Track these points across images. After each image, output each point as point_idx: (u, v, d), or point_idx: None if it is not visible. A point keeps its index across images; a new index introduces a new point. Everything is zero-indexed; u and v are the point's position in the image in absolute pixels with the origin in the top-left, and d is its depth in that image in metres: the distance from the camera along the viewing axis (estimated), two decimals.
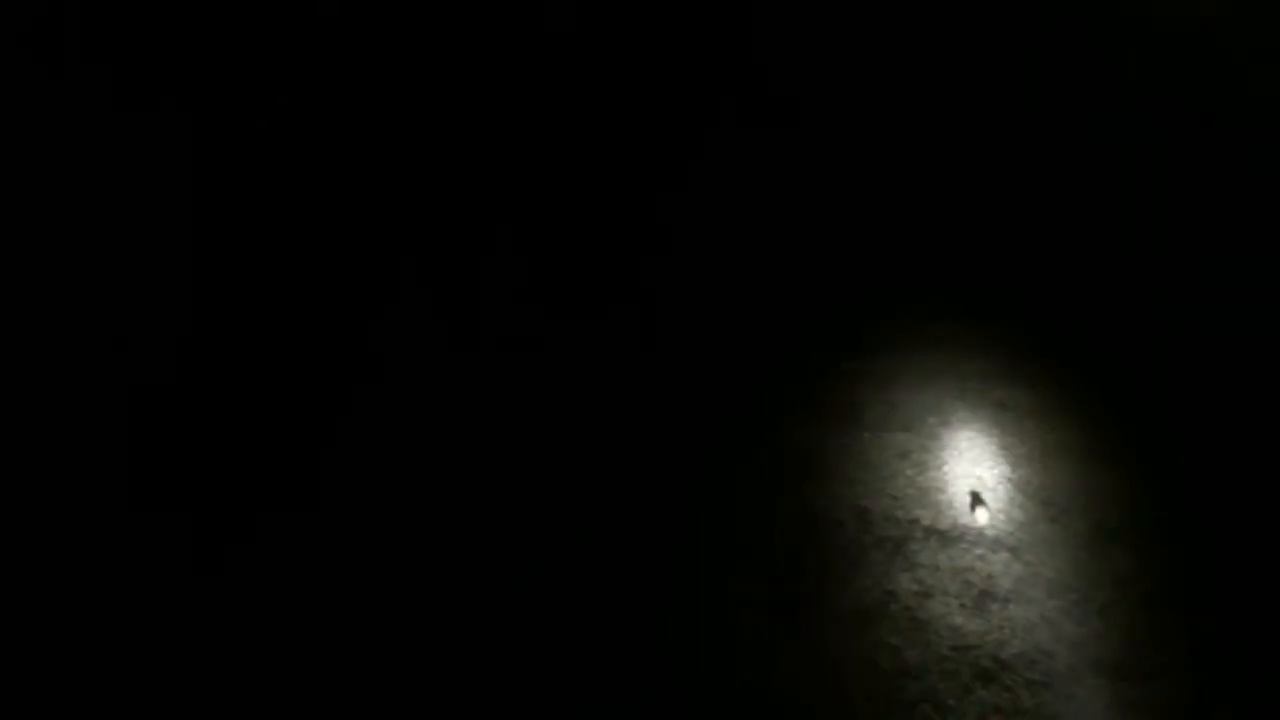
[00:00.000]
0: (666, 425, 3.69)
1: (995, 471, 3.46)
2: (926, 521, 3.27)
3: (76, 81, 5.36)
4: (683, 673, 2.81)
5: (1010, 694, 2.72)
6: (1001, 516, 3.27)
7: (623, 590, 3.05)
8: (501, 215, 4.92)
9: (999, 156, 5.39)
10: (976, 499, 3.33)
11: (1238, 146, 5.03)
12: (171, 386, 3.85)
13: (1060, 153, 5.31)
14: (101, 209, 4.69)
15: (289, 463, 3.52)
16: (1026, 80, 5.87)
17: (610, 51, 6.18)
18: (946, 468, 3.48)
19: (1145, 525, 3.24)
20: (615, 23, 6.35)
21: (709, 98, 5.87)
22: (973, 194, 5.12)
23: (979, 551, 3.15)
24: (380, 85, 5.75)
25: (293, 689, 2.75)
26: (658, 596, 3.03)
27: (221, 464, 3.49)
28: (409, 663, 2.81)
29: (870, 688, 2.75)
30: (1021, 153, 5.39)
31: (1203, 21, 5.52)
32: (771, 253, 4.70)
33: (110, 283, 4.32)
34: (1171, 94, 5.42)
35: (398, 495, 3.38)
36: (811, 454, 3.56)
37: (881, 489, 3.40)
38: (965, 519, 3.27)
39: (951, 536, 3.21)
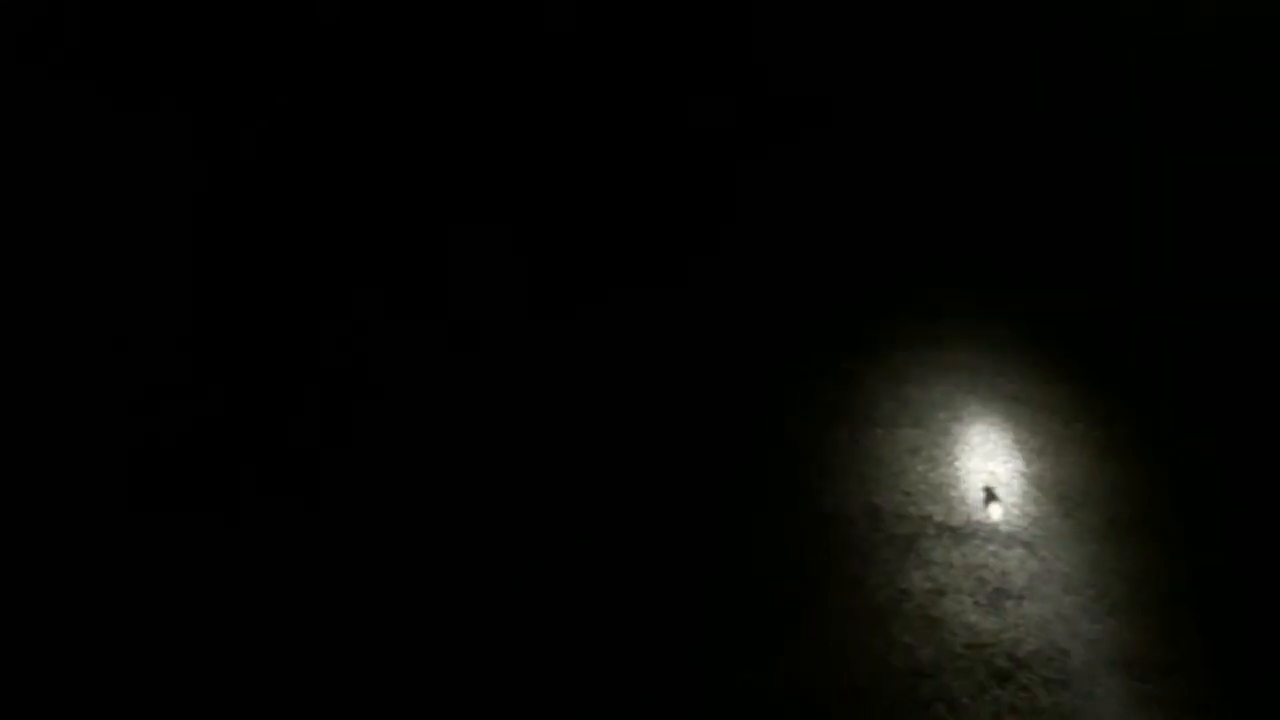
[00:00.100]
0: (674, 425, 3.66)
1: (1009, 466, 3.41)
2: (939, 518, 3.22)
3: (76, 81, 5.35)
4: (691, 673, 2.78)
5: (1027, 692, 2.68)
6: (1015, 512, 3.23)
7: (628, 590, 3.02)
8: (501, 215, 4.88)
9: (1005, 156, 5.35)
10: (990, 494, 3.28)
11: (1238, 146, 5.01)
12: (172, 386, 3.83)
13: (1062, 152, 5.28)
14: (102, 209, 4.68)
15: (289, 462, 3.50)
16: (1026, 80, 5.84)
17: (610, 52, 6.14)
18: (959, 463, 3.44)
19: (1162, 520, 3.19)
20: (615, 23, 6.31)
21: (709, 98, 5.82)
22: (979, 193, 5.08)
23: (993, 548, 3.11)
24: (380, 85, 5.73)
25: (294, 688, 2.73)
26: (664, 597, 3.00)
27: (221, 463, 3.47)
28: (410, 662, 2.79)
29: (883, 687, 2.71)
30: (1028, 152, 5.35)
31: (1202, 21, 5.52)
32: (776, 252, 4.66)
33: (110, 282, 4.30)
34: (1171, 93, 5.39)
35: (398, 495, 3.35)
36: (822, 452, 3.51)
37: (893, 486, 3.36)
38: (979, 515, 3.23)
39: (965, 533, 3.16)
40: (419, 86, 5.76)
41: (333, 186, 5.01)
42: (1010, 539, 3.13)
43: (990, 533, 3.16)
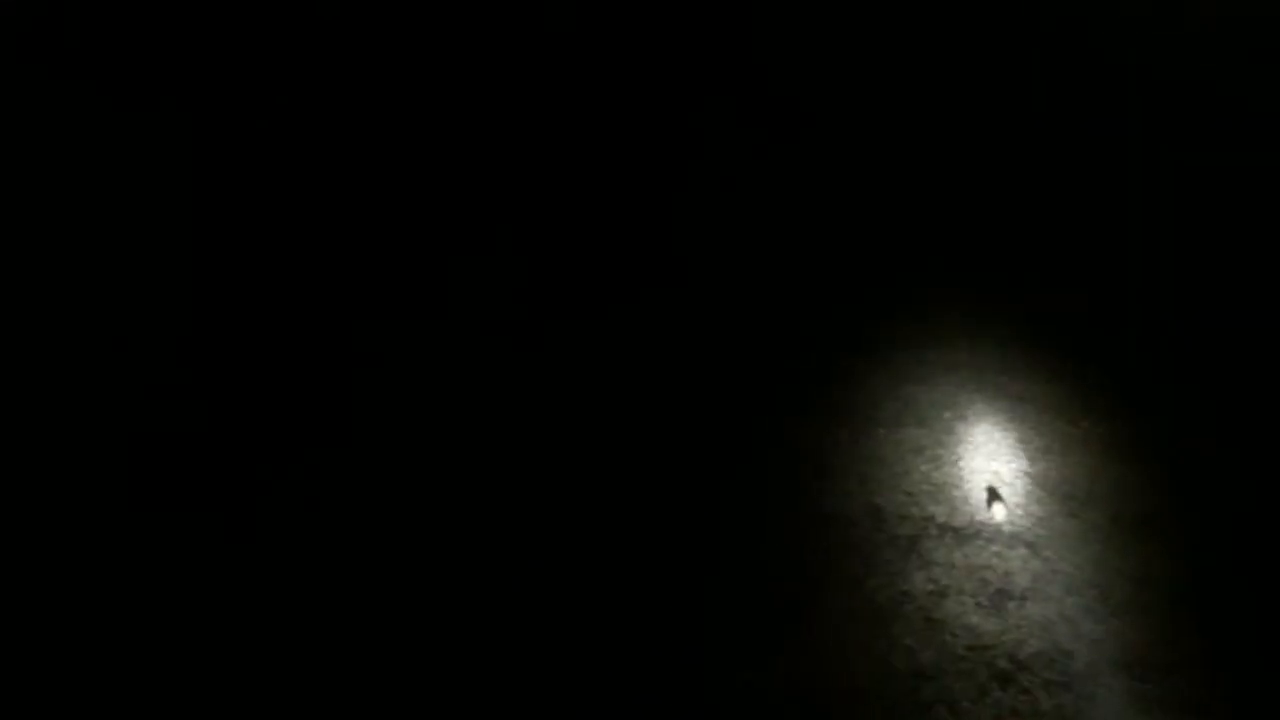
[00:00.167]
0: (674, 425, 3.64)
1: (1012, 466, 3.38)
2: (942, 518, 3.20)
3: (76, 81, 5.36)
4: (691, 673, 2.75)
5: (1028, 695, 2.65)
6: (1019, 512, 3.20)
7: (628, 590, 2.99)
8: (502, 215, 4.87)
9: (1005, 156, 5.32)
10: (993, 494, 3.25)
11: (1238, 146, 4.98)
12: (171, 386, 3.83)
13: (1062, 152, 5.25)
14: (102, 209, 4.69)
15: (288, 463, 3.49)
16: (1026, 80, 5.82)
17: (610, 52, 6.13)
18: (962, 463, 3.41)
19: (1166, 519, 3.16)
20: (615, 23, 6.29)
21: (709, 98, 5.80)
22: (980, 193, 5.05)
23: (995, 548, 3.08)
24: (380, 85, 5.73)
25: (294, 688, 2.72)
26: (664, 597, 2.98)
27: (221, 463, 3.47)
28: (410, 662, 2.77)
29: (884, 689, 2.69)
30: (1028, 152, 5.32)
31: (1202, 21, 5.50)
32: (780, 251, 4.64)
33: (111, 282, 4.30)
34: (1171, 93, 5.36)
35: (399, 495, 3.34)
36: (824, 451, 3.49)
37: (896, 486, 3.33)
38: (982, 515, 3.20)
39: (967, 533, 3.14)
40: (419, 85, 5.75)
41: (333, 186, 5.01)
42: (1013, 539, 3.10)
43: (993, 533, 3.13)
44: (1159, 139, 5.09)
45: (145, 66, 5.57)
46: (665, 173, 5.23)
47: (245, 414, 3.70)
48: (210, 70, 5.62)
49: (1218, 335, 3.91)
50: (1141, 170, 4.94)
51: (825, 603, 2.93)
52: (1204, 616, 2.85)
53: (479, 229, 4.76)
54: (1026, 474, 3.34)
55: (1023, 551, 3.06)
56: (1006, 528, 3.14)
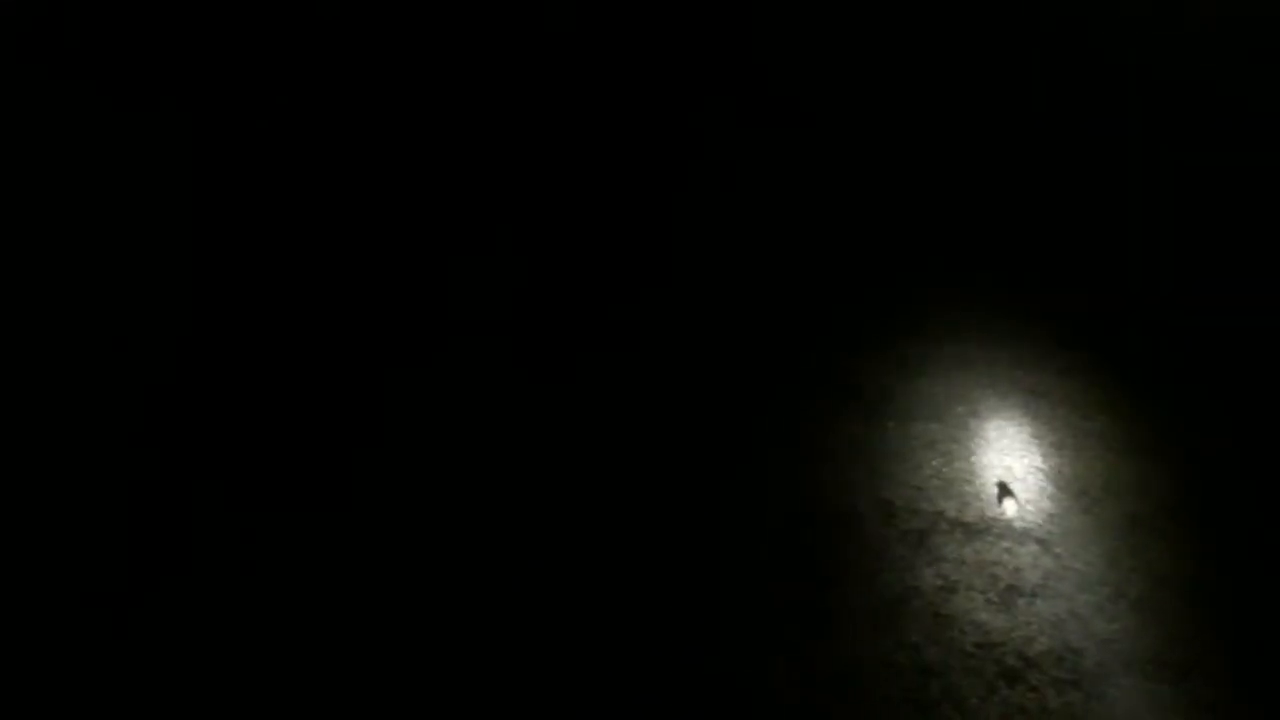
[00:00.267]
0: (677, 425, 3.61)
1: (1025, 461, 3.33)
2: (952, 513, 3.15)
3: (76, 81, 5.40)
4: (691, 673, 2.73)
5: (1036, 693, 2.61)
6: (1031, 508, 3.15)
7: (631, 591, 2.98)
8: (502, 214, 4.86)
9: (1006, 156, 5.25)
10: (1004, 490, 3.20)
11: (1238, 146, 4.90)
12: (171, 386, 3.85)
13: (1070, 151, 5.18)
14: (102, 208, 4.71)
15: (288, 462, 3.50)
16: (1026, 80, 5.75)
17: (611, 51, 6.10)
18: (975, 458, 3.36)
19: (1181, 517, 3.09)
20: (615, 22, 6.27)
21: (710, 98, 5.76)
22: (983, 192, 4.99)
23: (1006, 544, 3.03)
24: (380, 85, 5.73)
25: (295, 687, 2.72)
26: (665, 596, 2.95)
27: (221, 464, 3.48)
28: (411, 662, 2.78)
29: (890, 686, 2.65)
30: (1028, 152, 5.25)
31: (1202, 21, 5.41)
32: (786, 249, 4.59)
33: (111, 283, 4.33)
34: (1171, 93, 5.29)
35: (400, 495, 3.34)
36: (834, 446, 3.45)
37: (906, 480, 3.29)
38: (993, 510, 3.15)
39: (978, 529, 3.09)
40: (418, 86, 5.75)
41: (333, 186, 5.01)
42: (1024, 535, 3.05)
43: (1004, 529, 3.08)
44: (1159, 139, 5.02)
45: (145, 66, 5.60)
46: (666, 173, 5.20)
47: (246, 415, 3.71)
48: (210, 70, 5.65)
49: (1232, 334, 3.83)
50: (1145, 170, 4.89)
51: (830, 600, 2.90)
52: (1221, 617, 2.79)
53: (479, 228, 4.75)
54: (1039, 469, 3.29)
55: (1034, 548, 3.01)
56: (1018, 523, 3.09)
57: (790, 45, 6.23)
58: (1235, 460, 3.30)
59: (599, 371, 3.85)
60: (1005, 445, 3.40)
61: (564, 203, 4.94)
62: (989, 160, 5.23)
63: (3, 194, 4.63)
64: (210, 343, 4.04)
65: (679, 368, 3.86)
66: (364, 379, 3.86)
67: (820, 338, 3.98)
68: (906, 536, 3.08)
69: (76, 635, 2.86)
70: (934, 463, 3.34)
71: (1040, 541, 3.02)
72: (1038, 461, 3.32)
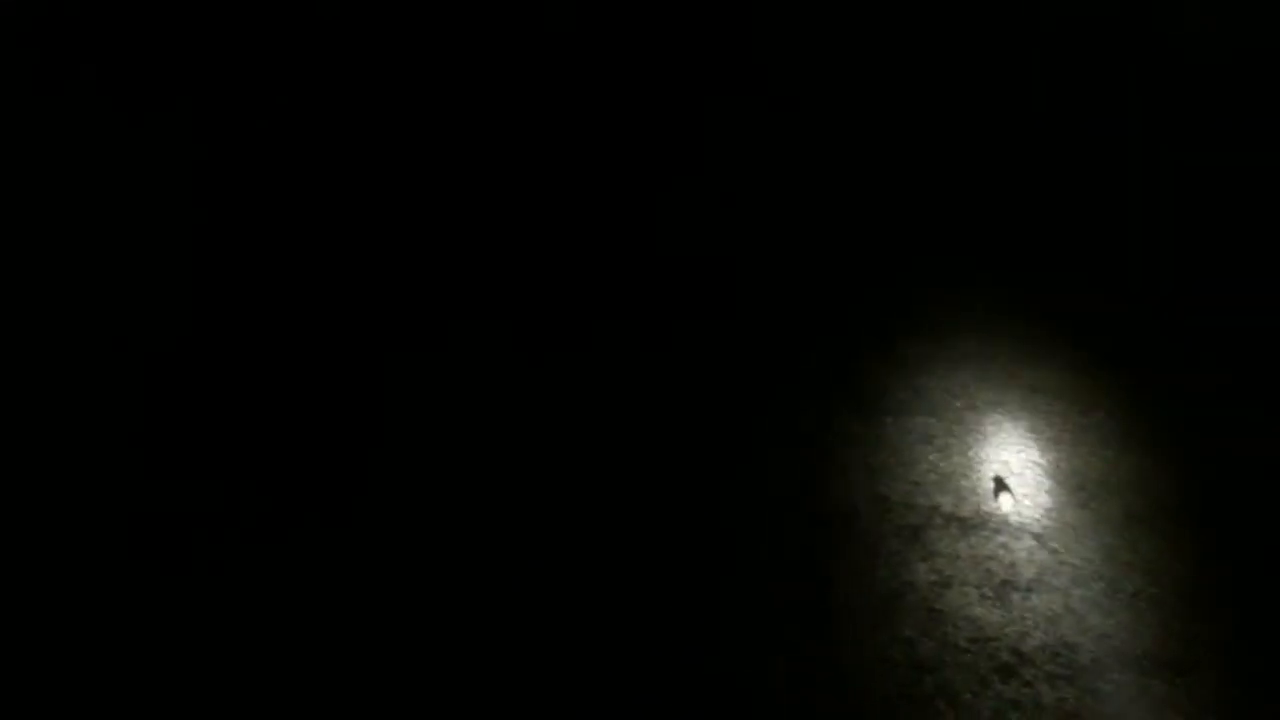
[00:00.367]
0: (675, 423, 3.60)
1: (1022, 456, 3.31)
2: (948, 508, 3.14)
3: (77, 82, 5.41)
4: (692, 675, 2.74)
5: (1030, 689, 2.60)
6: (1027, 502, 3.13)
7: (630, 591, 2.98)
8: (504, 214, 4.85)
9: (1006, 155, 5.21)
10: (1000, 484, 3.19)
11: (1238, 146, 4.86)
12: (169, 385, 3.86)
13: (1069, 150, 5.14)
14: (103, 209, 4.72)
15: (286, 462, 3.51)
16: (1026, 80, 5.70)
17: (611, 51, 6.07)
18: (971, 452, 3.34)
19: (1178, 513, 3.07)
20: (616, 22, 6.23)
21: (710, 98, 5.73)
22: (992, 190, 4.96)
23: (1002, 539, 3.02)
24: (380, 85, 5.72)
25: (295, 687, 2.74)
26: (665, 595, 2.95)
27: (220, 462, 3.49)
28: (412, 661, 2.79)
29: (883, 682, 2.65)
30: (1035, 151, 5.21)
31: (1202, 21, 5.36)
32: (783, 248, 4.57)
33: (110, 282, 4.35)
34: (1171, 93, 5.24)
35: (400, 495, 3.34)
36: (831, 442, 3.44)
37: (902, 475, 3.28)
38: (989, 505, 3.14)
39: (974, 524, 3.08)
40: (418, 86, 5.74)
41: (333, 186, 5.01)
42: (1020, 530, 3.04)
43: (1000, 524, 3.07)
44: (1159, 139, 4.97)
45: (145, 66, 5.61)
46: (665, 172, 5.18)
47: (243, 411, 3.72)
48: (210, 70, 5.65)
49: (1233, 334, 3.80)
50: (1145, 169, 4.84)
51: (826, 598, 2.89)
52: (1217, 613, 2.77)
53: (479, 228, 4.75)
54: (1036, 464, 3.27)
55: (1030, 543, 2.99)
56: (1014, 518, 3.08)
57: (791, 45, 6.19)
58: (1233, 457, 3.28)
59: (599, 374, 3.84)
60: (1002, 440, 3.38)
61: (564, 203, 4.93)
62: (989, 160, 5.20)
63: (3, 194, 4.66)
64: (211, 340, 4.06)
65: (678, 368, 3.85)
66: (365, 369, 3.87)
67: (820, 337, 3.96)
68: (901, 531, 3.07)
69: (75, 637, 2.89)
70: (930, 457, 3.33)
71: (1036, 536, 3.01)
72: (1035, 456, 3.30)
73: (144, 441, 3.55)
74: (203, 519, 3.24)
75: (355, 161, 5.18)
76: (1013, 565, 2.93)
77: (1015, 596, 2.84)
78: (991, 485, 3.19)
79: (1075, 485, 3.18)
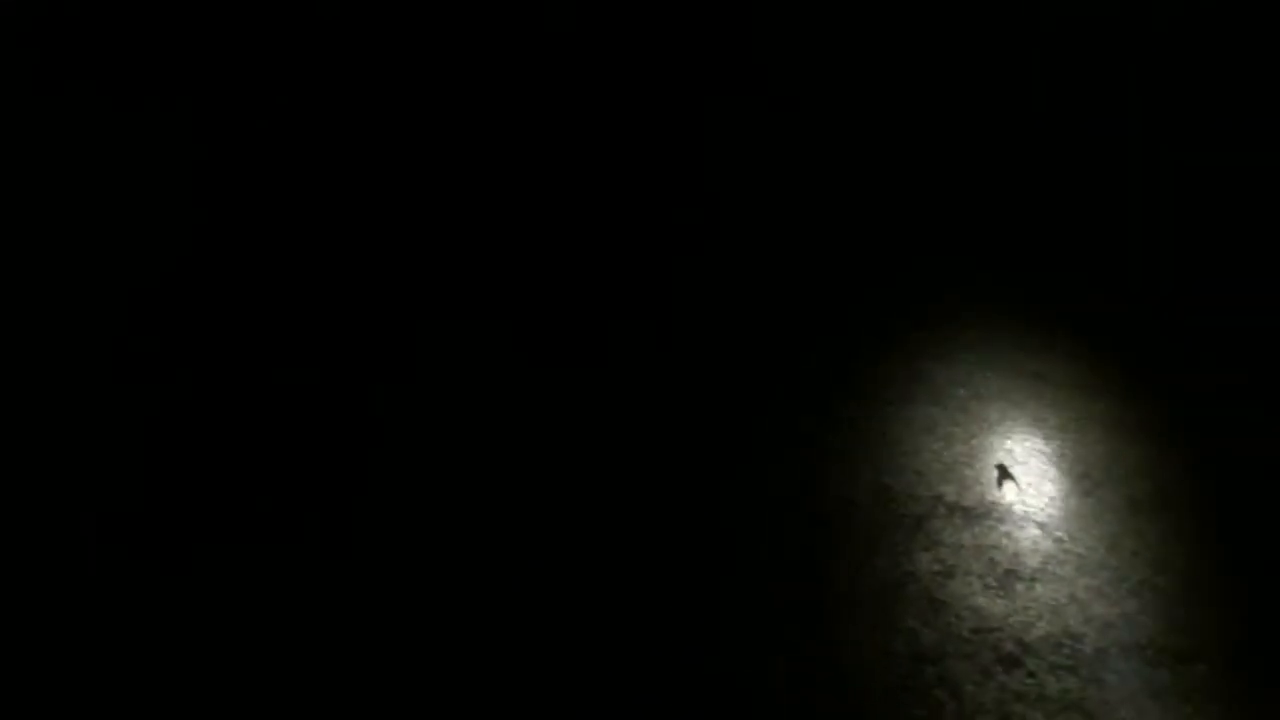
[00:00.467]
0: (680, 420, 3.54)
1: (1027, 444, 3.27)
2: (951, 497, 3.09)
3: (76, 82, 5.41)
4: (692, 675, 2.68)
5: (1034, 679, 2.55)
6: (1031, 491, 3.09)
7: (628, 590, 2.92)
8: (505, 213, 4.82)
9: (1016, 150, 5.23)
10: (1004, 472, 3.15)
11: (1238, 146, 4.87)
12: (167, 385, 3.83)
13: (1069, 146, 5.16)
14: (103, 209, 4.70)
15: (285, 462, 3.45)
16: (1026, 80, 5.71)
17: (612, 51, 6.06)
18: (975, 441, 3.30)
19: (1186, 502, 3.03)
20: (617, 22, 6.23)
21: (710, 98, 5.72)
22: (994, 184, 4.96)
23: (1006, 528, 2.97)
24: (380, 85, 5.71)
25: (294, 687, 2.69)
26: (664, 595, 2.89)
27: (220, 464, 3.44)
28: (411, 661, 2.74)
29: (883, 673, 2.60)
30: (1035, 146, 5.23)
31: (1203, 21, 5.38)
32: (783, 248, 4.53)
33: (110, 285, 4.31)
34: (1171, 93, 5.25)
35: (400, 494, 3.30)
36: (832, 432, 3.40)
37: (905, 464, 3.23)
38: (993, 494, 3.09)
39: (977, 513, 3.03)
40: (418, 86, 5.73)
41: (333, 187, 4.97)
42: (1024, 519, 2.99)
43: (1004, 513, 3.02)
44: (1159, 138, 4.99)
45: (145, 66, 5.61)
46: (664, 172, 5.15)
47: (243, 415, 3.67)
48: (210, 70, 5.65)
49: (1235, 333, 3.78)
50: (1144, 169, 4.88)
51: (827, 587, 2.85)
52: (1224, 602, 2.73)
53: (480, 226, 4.71)
54: (1040, 452, 3.23)
55: (1034, 532, 2.95)
56: (1018, 507, 3.04)
57: (791, 45, 6.19)
58: (1241, 445, 3.24)
59: (598, 374, 3.79)
60: (1006, 428, 3.34)
61: (565, 203, 4.90)
62: (989, 160, 5.19)
63: (3, 194, 4.64)
64: (211, 339, 4.02)
65: (678, 368, 3.80)
66: (364, 369, 3.84)
67: (820, 337, 3.93)
68: (904, 521, 3.02)
69: (74, 637, 2.85)
70: (934, 446, 3.29)
71: (1040, 525, 2.97)
72: (1039, 444, 3.26)
73: (143, 442, 3.52)
74: (202, 519, 3.20)
75: (355, 161, 5.16)
76: (1017, 554, 2.88)
77: (1019, 586, 2.79)
78: (995, 474, 3.15)
79: (1080, 474, 3.14)
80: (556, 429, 3.51)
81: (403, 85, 5.72)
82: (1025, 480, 3.12)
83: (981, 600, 2.77)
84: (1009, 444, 3.28)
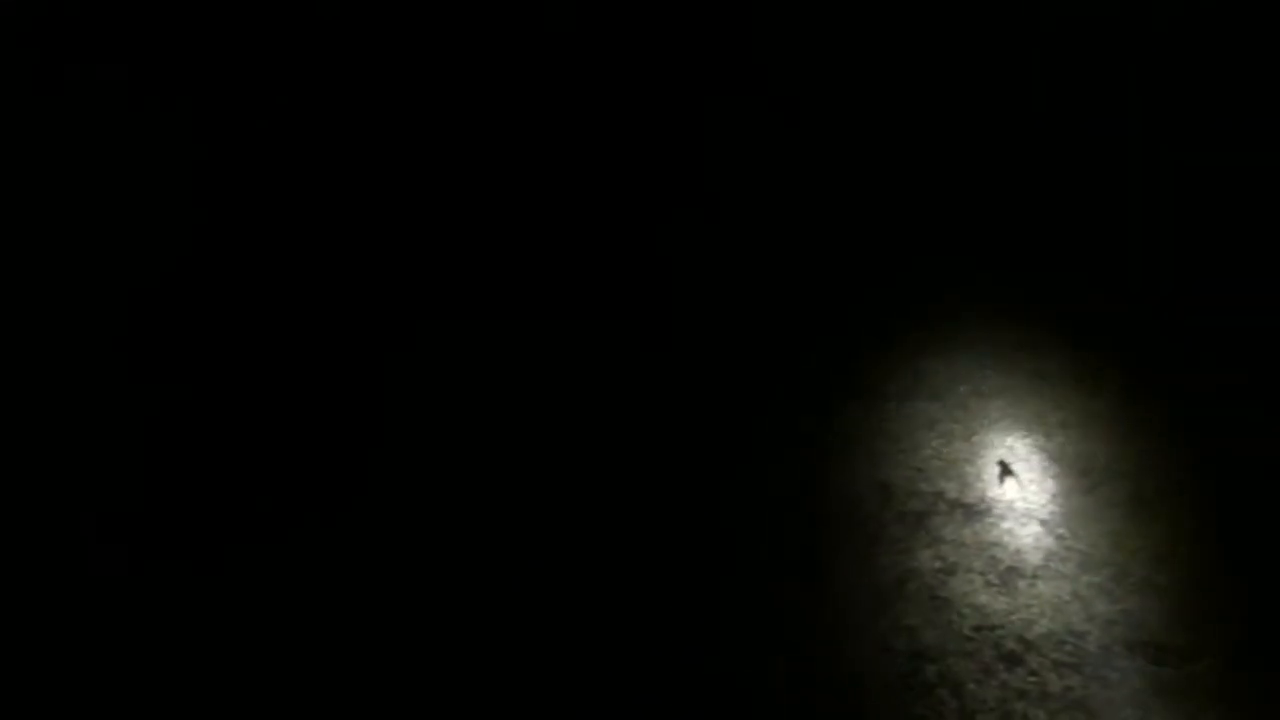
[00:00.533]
0: (680, 420, 3.54)
1: (1028, 441, 3.25)
2: (952, 494, 3.08)
3: (76, 82, 5.41)
4: (691, 675, 2.67)
5: (1036, 677, 2.54)
6: (1033, 487, 3.07)
7: (632, 590, 2.91)
8: (505, 212, 4.81)
9: (1014, 151, 5.20)
10: (1005, 469, 3.13)
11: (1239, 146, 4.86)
12: (167, 385, 3.83)
13: (1069, 147, 5.13)
14: (102, 208, 4.70)
15: (283, 462, 3.45)
16: (1026, 80, 5.69)
17: (612, 51, 6.05)
18: (976, 438, 3.28)
19: (1190, 498, 3.01)
20: (617, 22, 6.22)
21: (710, 98, 5.70)
22: (994, 191, 4.93)
23: (1007, 525, 2.96)
24: (381, 85, 5.70)
25: (293, 688, 2.69)
26: (668, 596, 2.89)
27: (220, 464, 3.44)
28: (410, 661, 2.74)
29: (884, 671, 2.59)
30: (1033, 148, 5.20)
31: (1203, 21, 5.37)
32: (783, 248, 4.50)
33: (110, 285, 4.31)
34: (1171, 93, 5.24)
35: (399, 494, 3.29)
36: (832, 431, 3.38)
37: (905, 461, 3.22)
38: (994, 491, 3.08)
39: (978, 510, 3.02)
40: (418, 86, 5.72)
41: (333, 187, 4.95)
42: (1026, 515, 2.97)
43: (1005, 509, 3.01)
44: (1159, 138, 4.98)
45: (145, 66, 5.60)
46: (663, 173, 5.12)
47: (243, 415, 3.66)
48: (210, 70, 5.64)
49: (1237, 332, 3.76)
50: (1144, 169, 4.85)
51: (828, 591, 2.83)
52: (1227, 600, 2.71)
53: (480, 226, 4.70)
54: (1042, 449, 3.21)
55: (1036, 528, 2.93)
56: (1019, 504, 3.02)
57: (791, 46, 6.18)
58: (1241, 445, 3.21)
59: (598, 374, 3.77)
60: (1008, 425, 3.32)
61: (564, 202, 4.89)
62: (989, 160, 5.17)
63: (3, 194, 4.63)
64: (211, 339, 4.02)
65: (678, 368, 3.79)
66: (365, 369, 3.83)
67: (820, 337, 3.90)
68: (904, 518, 3.01)
69: (72, 637, 2.84)
70: (934, 443, 3.27)
71: (1042, 522, 2.95)
72: (1041, 441, 3.24)
73: (144, 442, 3.52)
74: (203, 519, 3.20)
75: (356, 161, 5.15)
76: (1018, 552, 2.87)
77: (1021, 583, 2.78)
78: (996, 470, 3.14)
79: (1082, 470, 3.11)
80: (556, 429, 3.50)
81: (403, 84, 5.70)
82: (1026, 477, 3.11)
83: (983, 598, 2.75)
84: (1010, 441, 3.26)
